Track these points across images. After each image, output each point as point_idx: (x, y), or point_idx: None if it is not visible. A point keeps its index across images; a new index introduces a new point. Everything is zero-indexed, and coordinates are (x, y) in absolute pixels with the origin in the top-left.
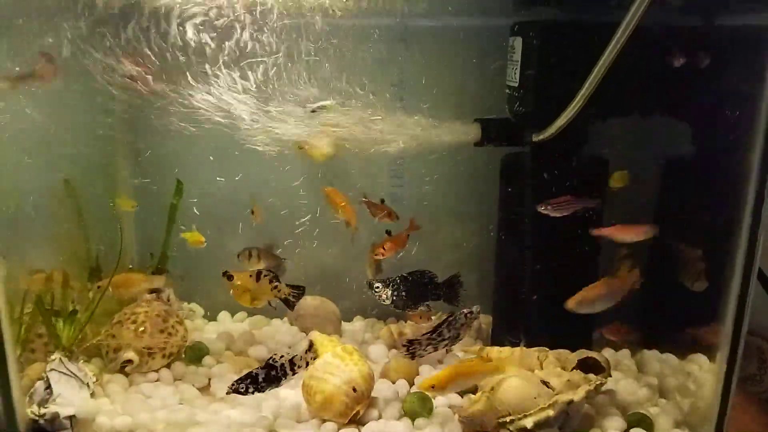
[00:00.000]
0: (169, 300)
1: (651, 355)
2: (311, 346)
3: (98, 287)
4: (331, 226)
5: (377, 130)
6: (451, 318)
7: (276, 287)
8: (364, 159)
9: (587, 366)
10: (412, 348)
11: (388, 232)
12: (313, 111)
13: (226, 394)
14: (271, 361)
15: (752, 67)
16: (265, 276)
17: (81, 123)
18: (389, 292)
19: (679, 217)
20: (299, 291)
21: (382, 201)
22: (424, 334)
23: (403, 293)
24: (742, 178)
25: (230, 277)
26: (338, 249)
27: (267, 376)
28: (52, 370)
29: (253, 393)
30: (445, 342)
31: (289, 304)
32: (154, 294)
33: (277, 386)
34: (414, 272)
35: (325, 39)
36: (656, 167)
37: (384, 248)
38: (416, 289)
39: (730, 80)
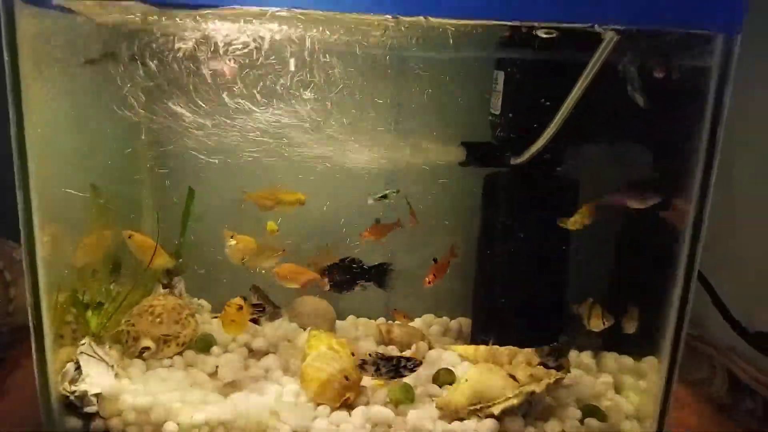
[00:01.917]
0: (181, 294)
1: (609, 356)
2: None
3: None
4: (326, 231)
5: (375, 153)
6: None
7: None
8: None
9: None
10: (363, 366)
11: (435, 260)
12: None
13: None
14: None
15: (694, 104)
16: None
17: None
18: (326, 279)
19: (639, 237)
20: (261, 309)
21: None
22: (381, 359)
23: (337, 277)
24: (687, 194)
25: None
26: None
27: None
28: (81, 353)
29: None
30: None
31: (257, 322)
32: (167, 289)
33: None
34: (345, 258)
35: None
36: (617, 187)
37: (433, 275)
38: (348, 274)
39: (679, 114)
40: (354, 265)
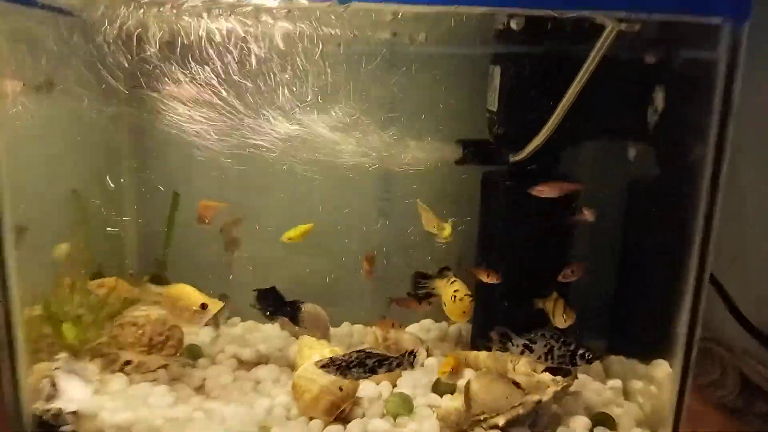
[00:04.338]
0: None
1: (616, 360)
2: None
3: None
4: (322, 236)
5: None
6: (390, 357)
7: None
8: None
9: (555, 370)
10: (328, 366)
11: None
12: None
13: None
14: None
15: (702, 99)
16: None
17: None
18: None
19: (643, 236)
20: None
21: (408, 293)
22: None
23: (260, 306)
24: (695, 196)
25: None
26: (328, 259)
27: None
28: (57, 368)
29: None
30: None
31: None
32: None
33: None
34: (267, 289)
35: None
36: (622, 187)
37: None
38: (270, 303)
39: (685, 111)
40: (276, 296)
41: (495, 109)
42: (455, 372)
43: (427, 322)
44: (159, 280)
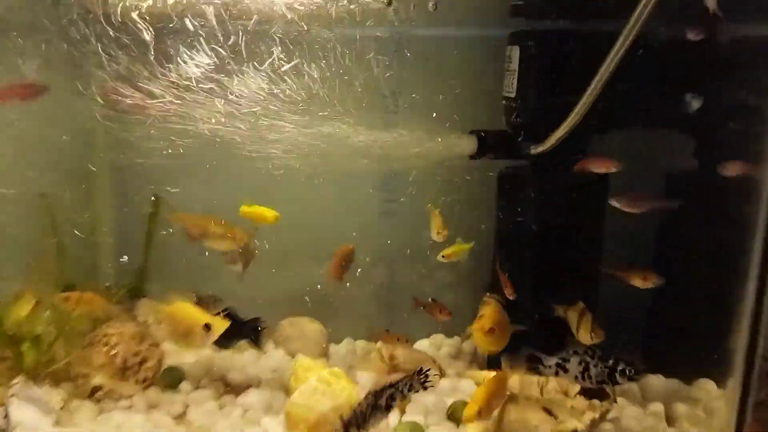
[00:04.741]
0: (147, 321)
1: (655, 381)
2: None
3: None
4: (318, 242)
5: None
6: (399, 383)
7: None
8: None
9: (590, 392)
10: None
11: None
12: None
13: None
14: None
15: (757, 79)
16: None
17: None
18: None
19: (683, 236)
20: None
21: (434, 300)
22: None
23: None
24: (749, 194)
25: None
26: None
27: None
28: (12, 396)
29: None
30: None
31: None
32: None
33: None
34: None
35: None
36: (659, 183)
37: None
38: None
39: (734, 92)
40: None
41: (513, 95)
42: (486, 412)
43: (438, 338)
44: (137, 292)
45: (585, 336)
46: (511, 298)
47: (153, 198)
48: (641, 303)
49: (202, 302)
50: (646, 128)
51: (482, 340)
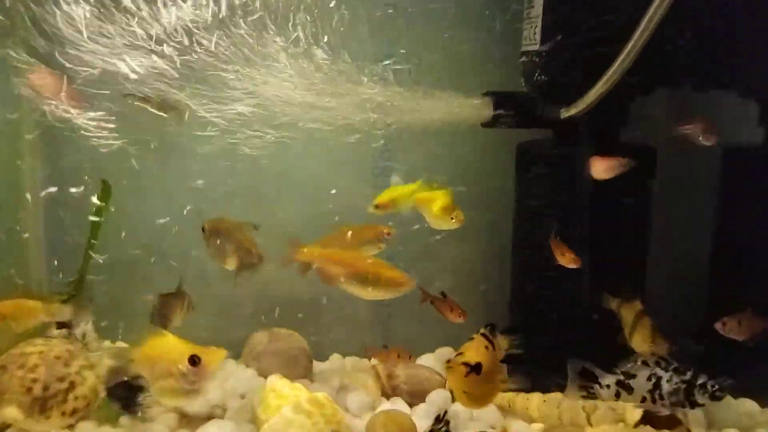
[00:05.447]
0: (84, 337)
1: (727, 403)
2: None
3: None
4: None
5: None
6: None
7: None
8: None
9: (656, 420)
10: None
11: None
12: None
13: None
14: None
15: None
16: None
17: None
18: None
19: (744, 223)
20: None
21: (444, 294)
22: None
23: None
24: None
25: None
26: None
27: None
28: None
29: None
30: None
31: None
32: (64, 329)
33: None
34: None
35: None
36: (714, 158)
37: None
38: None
39: None
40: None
41: (536, 47)
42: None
43: (445, 352)
44: (75, 303)
45: (641, 343)
46: (576, 265)
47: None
48: (698, 309)
49: (167, 302)
50: (700, 89)
51: (457, 381)
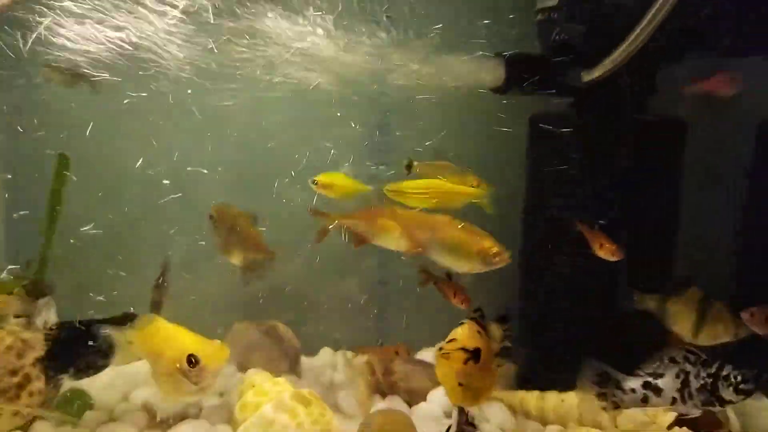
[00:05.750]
0: (46, 326)
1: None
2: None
3: None
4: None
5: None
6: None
7: None
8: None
9: (693, 423)
10: None
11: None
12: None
13: None
14: None
15: None
16: None
17: None
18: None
19: None
20: None
21: (449, 275)
22: None
23: None
24: None
25: None
26: (299, 260)
27: None
28: None
29: None
30: None
31: None
32: (22, 318)
33: None
34: None
35: None
36: (748, 134)
37: None
38: None
39: None
40: None
41: (554, 3)
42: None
43: None
44: (37, 289)
45: (722, 334)
46: (617, 258)
47: (59, 156)
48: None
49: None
50: (734, 56)
51: (452, 372)
